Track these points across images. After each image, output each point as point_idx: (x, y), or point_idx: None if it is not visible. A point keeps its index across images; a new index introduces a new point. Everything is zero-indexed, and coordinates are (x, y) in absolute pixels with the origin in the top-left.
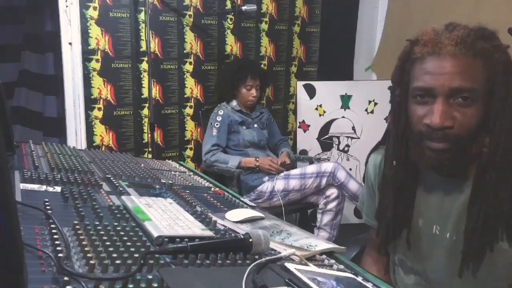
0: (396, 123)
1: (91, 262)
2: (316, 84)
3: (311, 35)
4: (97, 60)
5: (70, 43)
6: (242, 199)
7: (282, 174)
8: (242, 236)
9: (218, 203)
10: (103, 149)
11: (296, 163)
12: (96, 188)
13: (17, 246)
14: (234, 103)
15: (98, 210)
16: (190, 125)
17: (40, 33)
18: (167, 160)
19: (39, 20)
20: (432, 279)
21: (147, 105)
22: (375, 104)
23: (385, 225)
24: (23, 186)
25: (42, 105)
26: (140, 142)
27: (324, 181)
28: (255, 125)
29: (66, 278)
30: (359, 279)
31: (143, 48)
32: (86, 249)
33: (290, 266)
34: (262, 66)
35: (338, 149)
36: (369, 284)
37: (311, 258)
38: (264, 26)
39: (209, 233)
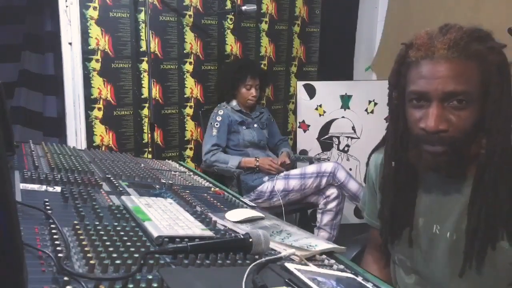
0: (394, 125)
1: (91, 262)
2: (316, 84)
3: (311, 35)
4: (97, 60)
5: (70, 43)
6: (242, 199)
7: (282, 174)
8: (242, 236)
9: (218, 203)
10: (103, 149)
11: (296, 163)
12: (96, 188)
13: (17, 246)
14: (234, 103)
15: (98, 210)
16: (190, 125)
17: (40, 33)
18: (167, 160)
19: (39, 20)
20: (432, 278)
21: (147, 105)
22: (375, 104)
23: (386, 225)
24: (23, 186)
25: (42, 105)
26: (140, 142)
27: (324, 181)
28: (255, 125)
29: (66, 278)
30: (359, 279)
31: (143, 48)
32: (86, 249)
33: (290, 266)
34: (262, 66)
35: (338, 149)
36: (369, 284)
37: (311, 258)
38: (264, 26)
39: (209, 233)
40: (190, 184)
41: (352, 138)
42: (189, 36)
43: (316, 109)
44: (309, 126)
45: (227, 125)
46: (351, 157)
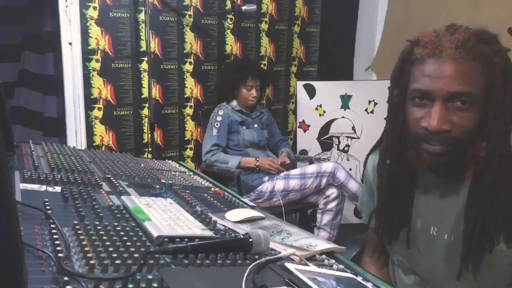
0: (392, 124)
1: (91, 262)
2: (316, 84)
3: (311, 35)
4: (97, 60)
5: (70, 43)
6: (242, 199)
7: (282, 174)
8: (242, 236)
9: (218, 203)
10: (103, 149)
11: (296, 163)
12: (96, 188)
13: (17, 246)
14: (234, 103)
15: (98, 210)
16: (190, 125)
17: (40, 33)
18: (167, 160)
19: (39, 20)
20: (430, 279)
21: (147, 105)
22: (375, 104)
23: (383, 225)
24: (23, 186)
25: (42, 105)
26: (140, 142)
27: (324, 181)
28: (255, 125)
29: (66, 278)
30: (359, 279)
31: (143, 48)
32: (86, 249)
33: (290, 266)
34: (262, 66)
35: (338, 149)
36: (369, 284)
37: (311, 258)
38: (264, 26)
39: (209, 233)
40: (190, 184)
41: (352, 138)
42: (189, 36)
43: (316, 109)
44: (309, 126)
45: (227, 125)
46: (351, 157)
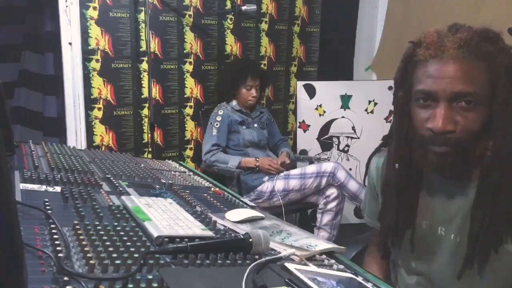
0: (398, 125)
1: (91, 262)
2: (316, 84)
3: (311, 35)
4: (97, 60)
5: (70, 43)
6: (242, 199)
7: (282, 174)
8: (242, 236)
9: (218, 203)
10: (103, 149)
11: (296, 163)
12: (96, 188)
13: (17, 246)
14: (234, 103)
15: (98, 210)
16: (190, 125)
17: (40, 33)
18: (167, 160)
19: (39, 20)
20: (435, 279)
21: (147, 105)
22: (375, 104)
23: (388, 227)
24: (23, 186)
25: (42, 105)
26: (140, 142)
27: (324, 181)
28: (255, 125)
29: (66, 278)
30: (359, 279)
31: (143, 48)
32: (86, 249)
33: (290, 266)
34: (262, 66)
35: (338, 149)
36: (369, 284)
37: (311, 258)
38: (264, 26)
39: (209, 233)
40: (190, 184)
41: (352, 138)
42: (189, 36)
43: (316, 109)
44: (309, 126)
45: (227, 125)
46: (351, 157)
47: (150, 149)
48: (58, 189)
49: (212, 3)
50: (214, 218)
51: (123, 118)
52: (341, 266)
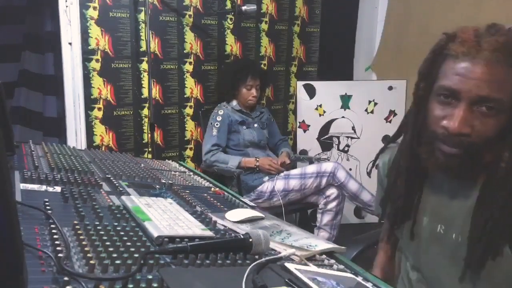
0: (414, 117)
1: (91, 262)
2: (316, 84)
3: (311, 35)
4: (97, 60)
5: (70, 43)
6: (242, 199)
7: (282, 174)
8: (242, 236)
9: (218, 203)
10: (103, 149)
11: (296, 163)
12: (96, 188)
13: (17, 246)
14: (234, 103)
15: (98, 210)
16: (190, 125)
17: (40, 33)
18: (167, 160)
19: (39, 20)
20: (433, 277)
21: (147, 105)
22: (375, 104)
23: (392, 214)
24: (23, 186)
25: (42, 105)
26: (140, 142)
27: (324, 181)
28: (255, 125)
29: (66, 278)
30: (359, 279)
31: (143, 48)
32: (86, 249)
33: (290, 266)
34: (262, 66)
35: (338, 149)
36: (369, 284)
37: (311, 258)
38: (264, 26)
39: (209, 233)
40: (190, 184)
41: (352, 138)
42: (189, 36)
43: (316, 109)
44: (309, 126)
45: (227, 125)
46: (351, 157)
47: (150, 149)
48: (58, 189)
49: (212, 3)
50: (214, 218)
51: (123, 118)
52: (341, 266)
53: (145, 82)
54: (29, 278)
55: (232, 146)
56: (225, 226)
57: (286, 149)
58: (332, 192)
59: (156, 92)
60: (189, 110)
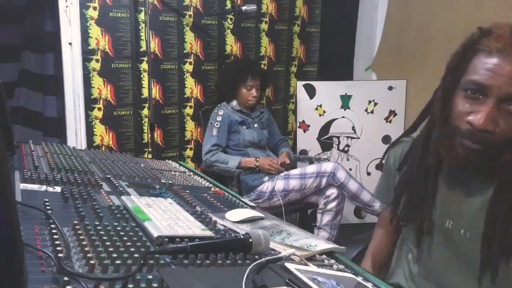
0: (439, 112)
1: (91, 262)
2: (316, 84)
3: (311, 35)
4: (97, 60)
5: (70, 43)
6: (242, 199)
7: (282, 174)
8: (242, 236)
9: (218, 203)
10: (103, 149)
11: (296, 163)
12: (96, 188)
13: (17, 246)
14: (234, 103)
15: (98, 210)
16: (190, 125)
17: (40, 33)
18: (167, 160)
19: (39, 20)
20: (434, 271)
21: (147, 105)
22: (375, 104)
23: (403, 207)
24: (23, 186)
25: (42, 105)
26: (140, 142)
27: (324, 181)
28: (255, 125)
29: (66, 278)
30: (359, 279)
31: (143, 48)
32: (86, 249)
33: (290, 266)
34: (262, 66)
35: (338, 149)
36: (369, 284)
37: (311, 258)
38: (264, 26)
39: (209, 233)
40: (190, 184)
41: (352, 138)
42: (189, 36)
43: (316, 109)
44: (309, 126)
45: (227, 125)
46: (351, 157)
47: (150, 149)
48: (58, 189)
49: (212, 3)
50: (214, 218)
51: (123, 118)
52: (341, 266)
53: (145, 82)
54: (29, 278)
55: (232, 146)
56: (225, 226)
57: (286, 149)
58: (332, 192)
59: (156, 92)
60: (189, 110)
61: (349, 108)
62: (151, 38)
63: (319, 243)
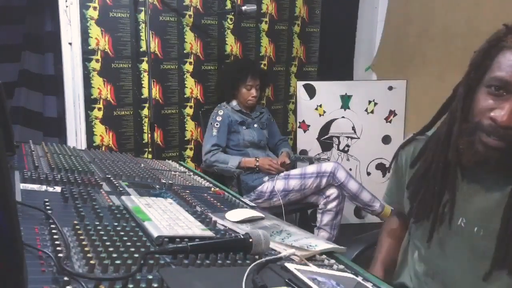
0: (460, 108)
1: (91, 262)
2: (316, 84)
3: (311, 35)
4: (97, 60)
5: (70, 43)
6: (242, 199)
7: (282, 174)
8: (242, 236)
9: (218, 203)
10: (103, 149)
11: (296, 163)
12: (96, 188)
13: (17, 246)
14: (234, 103)
15: (98, 210)
16: (190, 125)
17: (40, 33)
18: (167, 160)
19: (39, 20)
20: (442, 270)
21: (147, 105)
22: (375, 104)
23: (417, 205)
24: (23, 186)
25: (42, 105)
26: (140, 142)
27: (324, 181)
28: (255, 125)
29: (66, 278)
30: (359, 279)
31: (143, 48)
32: (86, 249)
33: (290, 266)
34: (262, 66)
35: (338, 149)
36: (369, 284)
37: (311, 258)
38: (264, 26)
39: (209, 233)
40: (190, 184)
41: (352, 138)
42: (189, 36)
43: (316, 109)
44: (309, 126)
45: (227, 125)
46: (351, 157)
47: (150, 149)
48: (58, 189)
49: (212, 3)
50: (214, 218)
51: (123, 118)
52: (341, 266)
53: (145, 82)
54: (29, 278)
55: (232, 146)
56: (225, 226)
57: (286, 149)
58: (332, 192)
59: (156, 92)
60: (189, 110)
61: (349, 108)
62: (151, 38)
63: (319, 243)
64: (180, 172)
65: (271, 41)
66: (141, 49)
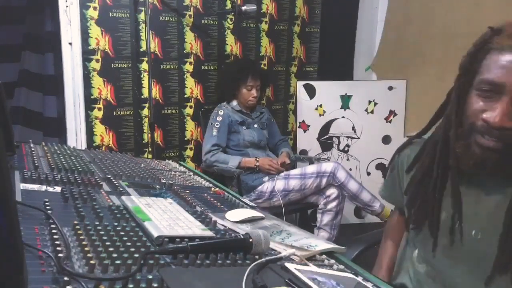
0: (454, 113)
1: (91, 262)
2: (316, 84)
3: (311, 35)
4: (97, 60)
5: (70, 43)
6: (242, 199)
7: (282, 174)
8: (242, 236)
9: (218, 203)
10: (103, 149)
11: (296, 163)
12: (96, 188)
13: (17, 246)
14: (234, 103)
15: (98, 210)
16: (190, 125)
17: (40, 33)
18: (167, 160)
19: (39, 20)
20: (444, 272)
21: (147, 105)
22: (375, 104)
23: (415, 210)
24: (23, 186)
25: (42, 105)
26: (140, 142)
27: (324, 181)
28: (255, 125)
29: (66, 278)
30: (359, 279)
31: (143, 48)
32: (86, 249)
33: (290, 266)
34: (262, 66)
35: (338, 149)
36: (369, 284)
37: (311, 258)
38: (264, 26)
39: (209, 233)
40: (190, 184)
41: (352, 138)
42: (189, 36)
43: (316, 109)
44: (309, 126)
45: (227, 125)
46: (351, 157)
47: (150, 149)
48: (58, 189)
49: (212, 3)
50: (214, 218)
51: (123, 118)
52: (341, 266)
53: (145, 82)
54: (29, 278)
55: (232, 147)
56: (225, 226)
57: (286, 149)
58: (332, 192)
59: (156, 92)
60: (189, 110)
61: (349, 108)
62: (151, 38)
63: (319, 243)
64: (180, 172)
65: (271, 41)
66: (141, 49)
